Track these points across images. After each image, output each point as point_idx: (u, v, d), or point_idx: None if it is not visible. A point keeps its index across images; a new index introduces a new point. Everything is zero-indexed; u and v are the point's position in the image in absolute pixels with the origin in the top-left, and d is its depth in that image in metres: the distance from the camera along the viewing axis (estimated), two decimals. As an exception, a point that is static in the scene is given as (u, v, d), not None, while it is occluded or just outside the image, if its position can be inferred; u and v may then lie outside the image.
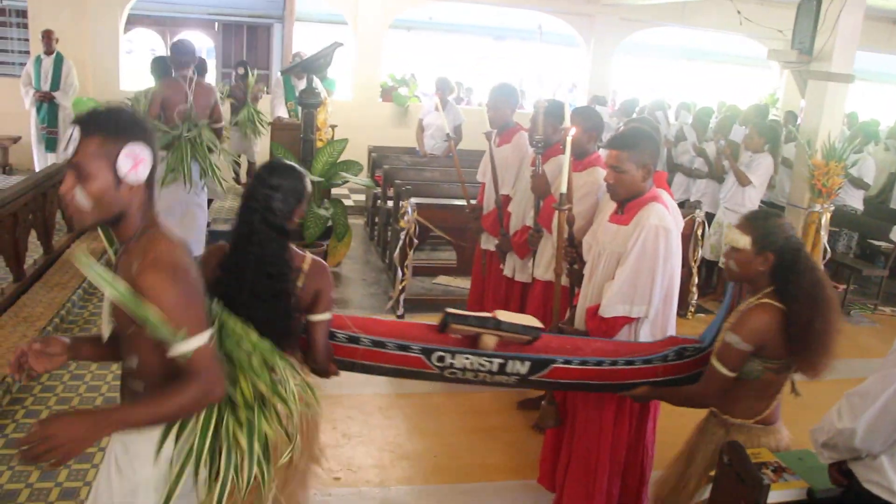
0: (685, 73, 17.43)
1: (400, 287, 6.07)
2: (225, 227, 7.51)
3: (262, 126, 9.31)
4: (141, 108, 5.95)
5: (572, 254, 3.65)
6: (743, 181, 6.58)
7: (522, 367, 2.96)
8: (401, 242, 6.07)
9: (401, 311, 6.08)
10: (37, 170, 8.21)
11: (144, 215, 1.94)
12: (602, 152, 3.78)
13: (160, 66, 6.86)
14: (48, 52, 8.71)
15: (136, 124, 1.88)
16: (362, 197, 9.75)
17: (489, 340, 2.95)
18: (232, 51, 13.03)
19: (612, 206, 3.36)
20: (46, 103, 8.72)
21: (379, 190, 8.12)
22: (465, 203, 5.38)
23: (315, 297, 2.65)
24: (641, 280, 3.10)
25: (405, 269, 6.07)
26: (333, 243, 6.93)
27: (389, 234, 7.37)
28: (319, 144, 7.15)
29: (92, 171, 1.82)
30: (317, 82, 7.22)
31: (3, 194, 5.07)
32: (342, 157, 6.97)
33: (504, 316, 2.98)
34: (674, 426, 3.45)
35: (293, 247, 2.59)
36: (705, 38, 15.16)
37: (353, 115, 10.44)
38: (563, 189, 3.39)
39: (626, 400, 3.24)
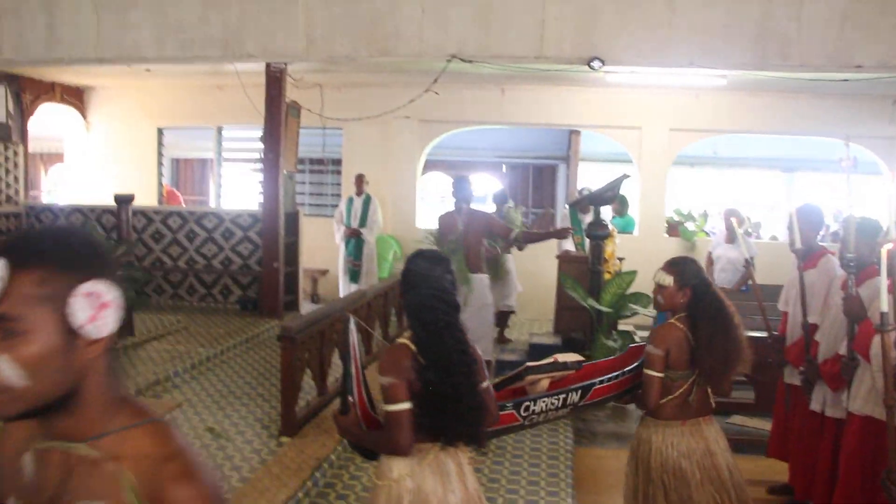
0: None
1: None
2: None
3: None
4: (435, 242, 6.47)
5: None
6: None
7: (576, 396, 3.52)
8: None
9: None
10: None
11: (111, 396, 1.28)
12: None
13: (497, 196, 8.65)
14: (359, 192, 9.76)
15: (95, 252, 1.24)
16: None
17: (544, 382, 3.52)
18: (518, 190, 13.70)
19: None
20: (354, 239, 9.67)
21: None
22: (766, 334, 5.03)
23: None
24: None
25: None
26: (620, 376, 6.74)
27: (678, 368, 7.04)
28: (607, 277, 7.14)
29: (28, 323, 1.15)
30: (604, 214, 7.30)
31: (314, 315, 5.61)
32: (631, 290, 6.90)
33: (562, 357, 3.69)
34: None
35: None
36: None
37: (640, 250, 10.36)
38: (884, 307, 3.01)
39: None
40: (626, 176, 6.91)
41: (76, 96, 11.47)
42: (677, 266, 3.51)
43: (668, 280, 3.45)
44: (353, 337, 2.73)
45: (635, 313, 6.80)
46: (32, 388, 1.16)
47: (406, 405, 2.47)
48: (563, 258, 7.79)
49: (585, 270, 7.10)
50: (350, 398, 2.67)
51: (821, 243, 4.88)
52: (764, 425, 5.72)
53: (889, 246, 3.08)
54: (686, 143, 11.18)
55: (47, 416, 1.22)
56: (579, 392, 3.50)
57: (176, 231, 9.90)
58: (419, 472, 2.53)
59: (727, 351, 3.39)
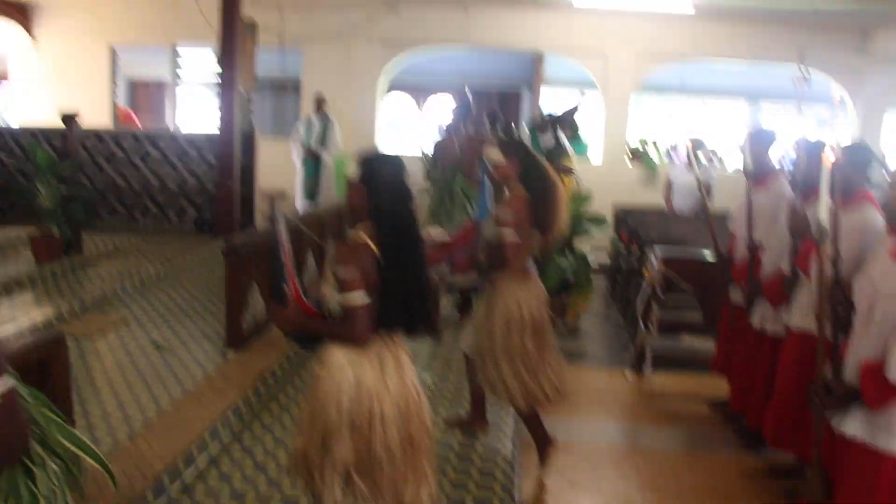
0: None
1: (642, 341, 5.78)
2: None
3: None
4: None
5: (839, 296, 3.20)
6: None
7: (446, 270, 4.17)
8: (643, 295, 5.81)
9: (648, 366, 5.78)
10: (299, 215, 8.97)
11: None
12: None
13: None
14: (318, 113, 9.60)
15: None
16: (605, 256, 9.55)
17: None
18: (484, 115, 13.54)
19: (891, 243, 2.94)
20: (312, 159, 9.54)
21: (623, 248, 7.91)
22: (714, 253, 5.07)
23: None
24: None
25: (649, 325, 5.78)
26: (574, 296, 6.80)
27: (631, 291, 7.10)
28: (562, 198, 7.12)
29: None
30: (562, 138, 7.24)
31: (260, 231, 5.53)
32: (588, 213, 6.90)
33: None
34: None
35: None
36: None
37: (601, 177, 10.34)
38: (824, 221, 3.00)
39: None
40: (583, 99, 6.83)
41: (20, 13, 10.98)
42: (503, 142, 4.09)
43: (499, 156, 3.85)
44: (283, 230, 2.74)
45: (587, 232, 6.81)
46: None
47: (365, 297, 2.55)
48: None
49: (542, 192, 7.07)
50: (285, 287, 2.70)
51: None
52: (712, 346, 5.80)
53: (832, 160, 3.05)
54: (651, 70, 11.07)
55: None
56: (448, 267, 4.01)
57: (130, 152, 9.67)
58: (361, 365, 2.62)
59: (556, 206, 3.85)
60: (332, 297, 2.63)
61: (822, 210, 3.05)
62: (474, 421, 4.27)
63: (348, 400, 2.61)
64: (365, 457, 2.62)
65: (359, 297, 2.54)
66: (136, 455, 3.52)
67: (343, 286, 2.57)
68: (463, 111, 6.66)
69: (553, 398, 3.92)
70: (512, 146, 3.96)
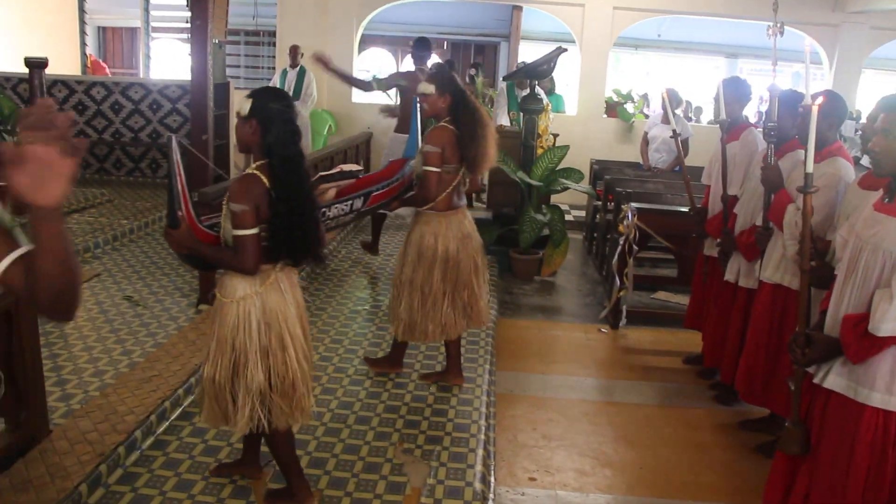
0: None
1: (617, 296, 5.80)
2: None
3: None
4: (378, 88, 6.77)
5: (812, 249, 3.16)
6: None
7: (359, 202, 3.86)
8: (619, 249, 5.81)
9: (623, 321, 5.81)
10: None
11: None
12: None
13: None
14: (293, 65, 9.42)
15: None
16: (583, 213, 9.55)
17: (332, 192, 3.76)
18: (460, 68, 13.38)
19: (865, 197, 2.92)
20: (287, 111, 9.39)
21: (599, 202, 7.89)
22: (689, 208, 5.07)
23: None
24: None
25: (624, 279, 5.79)
26: (550, 251, 6.80)
27: (608, 246, 7.11)
28: (540, 151, 7.08)
29: None
30: (538, 89, 7.17)
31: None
32: (563, 166, 6.86)
33: (346, 167, 4.01)
34: None
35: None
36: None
37: (578, 130, 10.30)
38: (809, 169, 2.88)
39: (890, 429, 2.63)
40: (562, 49, 6.76)
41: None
42: (436, 76, 3.99)
43: (430, 88, 3.89)
44: (177, 156, 2.82)
45: (566, 188, 6.79)
46: None
47: (255, 230, 2.70)
48: (497, 132, 7.67)
49: (518, 145, 7.02)
50: (179, 212, 2.80)
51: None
52: (686, 301, 5.84)
53: (820, 101, 2.94)
54: (629, 23, 10.98)
55: None
56: (361, 199, 3.90)
57: (100, 102, 9.45)
58: (264, 291, 2.81)
59: (485, 142, 3.92)
60: (226, 228, 2.79)
61: (808, 161, 2.95)
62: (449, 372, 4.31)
63: (257, 324, 2.79)
64: (282, 376, 2.83)
65: (247, 230, 2.69)
66: (108, 409, 3.49)
67: (235, 219, 2.70)
68: (421, 55, 6.74)
69: (435, 337, 4.11)
70: (445, 81, 3.94)
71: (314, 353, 3.12)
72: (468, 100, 3.94)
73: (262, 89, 2.87)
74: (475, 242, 4.14)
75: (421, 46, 6.78)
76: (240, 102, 2.79)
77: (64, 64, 10.25)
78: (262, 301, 2.80)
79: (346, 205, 3.83)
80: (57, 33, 10.74)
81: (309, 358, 2.97)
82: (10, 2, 10.88)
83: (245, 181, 2.74)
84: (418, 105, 4.17)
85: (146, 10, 11.27)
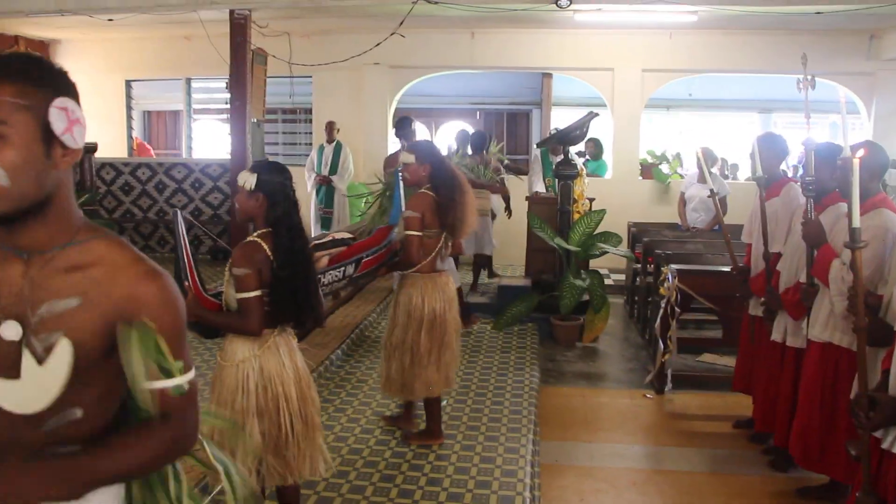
0: None
1: (661, 360, 5.69)
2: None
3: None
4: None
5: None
6: None
7: (351, 269, 4.07)
8: (661, 312, 5.72)
9: (669, 385, 5.68)
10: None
11: (74, 211, 1.45)
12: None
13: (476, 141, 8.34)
14: (329, 140, 9.58)
15: (62, 75, 1.43)
16: (622, 277, 9.46)
17: (325, 259, 3.94)
18: (493, 136, 13.53)
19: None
20: (325, 186, 9.52)
21: (638, 265, 7.82)
22: (731, 267, 4.99)
23: None
24: None
25: (668, 342, 5.68)
26: (590, 316, 6.72)
27: (649, 310, 7.01)
28: (577, 216, 7.08)
29: (11, 127, 1.30)
30: (573, 154, 7.21)
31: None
32: (601, 230, 6.84)
33: (338, 234, 4.21)
34: None
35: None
36: None
37: (614, 193, 10.27)
38: (856, 223, 2.79)
39: None
40: (594, 114, 6.80)
41: (41, 50, 11.11)
42: (416, 146, 4.30)
43: (411, 158, 4.09)
44: (182, 228, 3.05)
45: (605, 252, 6.75)
46: (14, 190, 1.29)
47: (258, 292, 2.85)
48: (533, 200, 7.71)
49: (555, 211, 7.04)
50: (186, 282, 2.98)
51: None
52: (733, 362, 5.70)
53: (861, 153, 2.87)
54: (660, 85, 11.02)
55: (21, 224, 1.35)
56: (353, 265, 4.10)
57: (145, 182, 9.76)
58: (262, 354, 2.93)
59: (464, 208, 4.11)
60: (229, 293, 2.91)
61: (854, 216, 2.86)
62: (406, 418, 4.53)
63: (255, 386, 2.90)
64: (276, 437, 2.92)
65: (251, 293, 2.83)
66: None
67: (238, 283, 2.84)
68: (404, 132, 7.25)
69: (420, 394, 4.20)
70: (425, 152, 4.16)
71: (320, 415, 3.17)
72: (447, 168, 4.17)
73: (264, 163, 3.02)
74: (456, 307, 4.30)
75: (403, 125, 7.20)
76: (243, 177, 2.92)
77: (112, 147, 10.62)
78: (261, 363, 2.92)
79: (339, 271, 4.05)
80: (106, 119, 11.13)
81: (309, 420, 3.03)
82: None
83: (247, 248, 2.88)
84: (400, 175, 4.36)
85: (188, 94, 11.65)
